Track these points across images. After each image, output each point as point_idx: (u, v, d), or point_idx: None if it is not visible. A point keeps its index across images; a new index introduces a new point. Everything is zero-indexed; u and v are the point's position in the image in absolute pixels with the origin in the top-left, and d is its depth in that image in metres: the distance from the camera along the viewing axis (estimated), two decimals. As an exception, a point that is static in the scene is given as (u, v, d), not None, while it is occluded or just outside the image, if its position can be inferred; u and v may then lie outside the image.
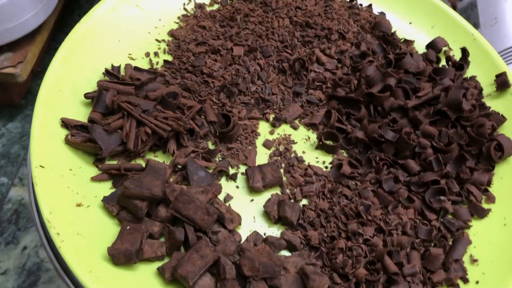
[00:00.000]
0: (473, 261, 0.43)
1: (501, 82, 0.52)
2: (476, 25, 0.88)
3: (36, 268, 0.76)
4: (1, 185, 0.87)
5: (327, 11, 0.57)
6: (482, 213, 0.45)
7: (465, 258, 0.43)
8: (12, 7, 0.78)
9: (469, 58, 0.54)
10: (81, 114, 0.46)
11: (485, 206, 0.46)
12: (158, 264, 0.40)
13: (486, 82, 0.53)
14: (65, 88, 0.47)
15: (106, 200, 0.42)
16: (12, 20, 0.78)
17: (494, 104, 0.51)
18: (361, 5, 0.59)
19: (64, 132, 0.45)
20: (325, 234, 0.42)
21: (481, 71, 0.54)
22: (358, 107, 0.50)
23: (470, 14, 0.97)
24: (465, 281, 0.42)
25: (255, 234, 0.42)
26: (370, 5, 0.59)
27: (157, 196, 0.41)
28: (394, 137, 0.47)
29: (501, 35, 0.85)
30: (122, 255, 0.39)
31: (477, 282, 0.42)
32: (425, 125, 0.47)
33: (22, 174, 0.88)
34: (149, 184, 0.41)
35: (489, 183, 0.47)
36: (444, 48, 0.56)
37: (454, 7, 0.87)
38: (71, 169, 0.43)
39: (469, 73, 0.54)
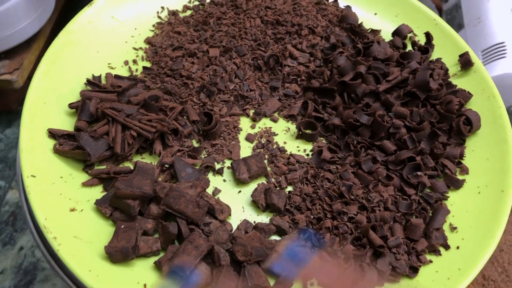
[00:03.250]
0: (453, 228, 0.45)
1: (464, 61, 0.55)
2: (460, 25, 0.93)
3: (33, 268, 0.80)
4: None
5: (296, 8, 0.59)
6: (457, 184, 0.48)
7: (445, 227, 0.45)
8: (8, 16, 0.81)
9: (433, 42, 0.57)
10: (67, 124, 0.48)
11: (459, 177, 0.49)
12: (154, 259, 0.42)
13: (451, 63, 0.56)
14: (49, 100, 0.48)
15: (98, 203, 0.44)
16: (8, 28, 0.82)
17: (460, 82, 0.54)
18: (327, 0, 0.61)
19: (51, 142, 0.46)
20: (312, 216, 0.44)
21: (445, 53, 0.57)
22: (333, 96, 0.52)
23: (455, 15, 1.02)
24: (447, 247, 0.44)
25: (245, 222, 0.44)
26: (336, 0, 0.62)
27: (148, 194, 0.42)
28: (369, 121, 0.49)
29: (484, 34, 0.90)
30: (119, 253, 0.40)
31: (457, 248, 0.44)
32: (397, 106, 0.50)
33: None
34: (139, 183, 0.43)
35: (461, 156, 0.50)
36: (409, 35, 0.59)
37: (439, 9, 0.91)
38: (61, 177, 0.45)
39: (434, 56, 0.57)
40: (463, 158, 0.50)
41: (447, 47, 0.57)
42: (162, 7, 0.59)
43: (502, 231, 0.44)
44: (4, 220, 0.88)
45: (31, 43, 0.92)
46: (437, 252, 0.44)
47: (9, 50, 0.88)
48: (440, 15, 0.97)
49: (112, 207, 0.43)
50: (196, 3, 0.61)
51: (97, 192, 0.45)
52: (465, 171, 0.49)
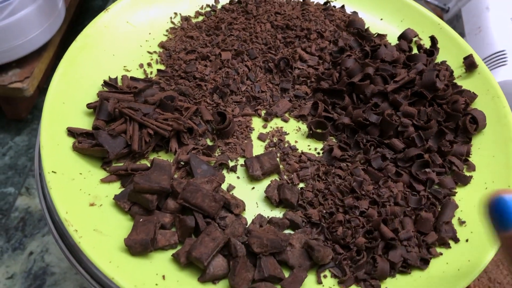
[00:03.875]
0: (461, 223, 0.47)
1: (469, 64, 0.57)
2: (462, 35, 0.95)
3: (42, 272, 0.81)
4: (9, 195, 0.93)
5: (304, 14, 0.61)
6: (465, 180, 0.49)
7: (454, 221, 0.47)
8: (20, 26, 0.84)
9: (438, 45, 0.59)
10: (84, 124, 0.49)
11: (467, 174, 0.50)
12: (172, 251, 0.43)
13: (456, 65, 0.58)
14: (68, 101, 0.50)
15: (117, 198, 0.45)
16: (19, 38, 0.85)
17: (465, 84, 0.56)
18: (334, 6, 0.64)
19: (71, 140, 0.48)
20: (324, 211, 0.46)
21: (450, 56, 0.59)
22: (342, 96, 0.54)
23: (456, 24, 1.05)
24: (456, 240, 0.45)
25: (260, 216, 0.45)
26: (343, 6, 0.64)
27: (166, 189, 0.44)
28: (378, 119, 0.51)
29: (485, 43, 0.92)
30: (138, 245, 0.41)
31: (467, 240, 0.45)
32: (405, 106, 0.51)
33: (29, 184, 0.94)
34: (157, 178, 0.44)
35: (468, 153, 0.51)
36: (415, 38, 0.61)
37: (440, 19, 0.94)
38: (81, 173, 0.46)
39: (439, 59, 0.59)
40: (470, 155, 0.51)
41: (452, 50, 0.59)
42: (175, 13, 0.61)
43: (509, 224, 0.45)
44: (14, 226, 0.90)
45: (42, 53, 0.95)
46: (446, 245, 0.45)
47: (20, 59, 0.91)
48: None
49: (130, 201, 0.45)
50: (208, 9, 0.63)
51: (115, 188, 0.46)
52: (472, 168, 0.50)
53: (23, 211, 0.91)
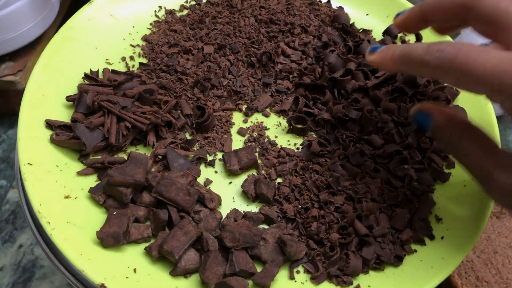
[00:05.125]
0: (438, 220, 0.46)
1: (452, 60, 0.56)
2: (457, 33, 0.95)
3: (31, 265, 0.82)
4: (0, 187, 0.93)
5: (289, 8, 0.61)
6: (443, 177, 0.49)
7: (431, 218, 0.46)
8: (13, 18, 0.83)
9: (423, 41, 0.59)
10: (64, 116, 0.49)
11: (446, 171, 0.50)
12: (145, 245, 0.43)
13: (440, 62, 0.57)
14: (48, 93, 0.50)
15: (92, 191, 0.45)
16: (12, 31, 0.85)
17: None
18: (320, 1, 0.63)
19: (49, 133, 0.48)
20: (300, 206, 0.46)
21: (434, 52, 0.58)
22: (323, 92, 0.54)
23: None
24: (431, 237, 0.45)
25: (235, 211, 0.45)
26: (328, 1, 0.63)
27: (140, 182, 0.44)
28: (358, 115, 0.51)
29: (480, 41, 0.92)
30: (110, 237, 0.41)
31: (442, 238, 0.45)
32: (385, 102, 0.51)
33: (21, 177, 0.95)
34: (132, 171, 0.44)
35: (448, 150, 0.51)
36: (400, 34, 0.60)
37: None
38: (57, 166, 0.46)
39: (424, 55, 0.58)
40: (450, 152, 0.51)
41: (437, 46, 0.59)
42: (160, 6, 0.61)
43: (486, 222, 0.45)
44: (5, 218, 0.90)
45: (35, 46, 0.95)
46: (421, 242, 0.45)
47: (13, 52, 0.91)
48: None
49: (105, 194, 0.45)
50: (193, 2, 0.62)
51: (92, 181, 0.46)
52: (451, 165, 0.50)
53: (14, 204, 0.92)
